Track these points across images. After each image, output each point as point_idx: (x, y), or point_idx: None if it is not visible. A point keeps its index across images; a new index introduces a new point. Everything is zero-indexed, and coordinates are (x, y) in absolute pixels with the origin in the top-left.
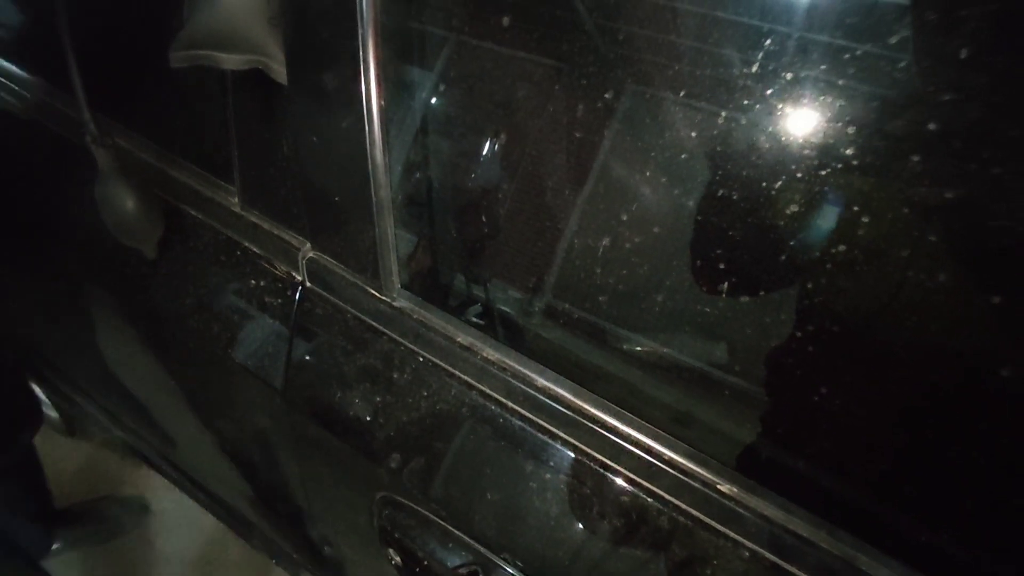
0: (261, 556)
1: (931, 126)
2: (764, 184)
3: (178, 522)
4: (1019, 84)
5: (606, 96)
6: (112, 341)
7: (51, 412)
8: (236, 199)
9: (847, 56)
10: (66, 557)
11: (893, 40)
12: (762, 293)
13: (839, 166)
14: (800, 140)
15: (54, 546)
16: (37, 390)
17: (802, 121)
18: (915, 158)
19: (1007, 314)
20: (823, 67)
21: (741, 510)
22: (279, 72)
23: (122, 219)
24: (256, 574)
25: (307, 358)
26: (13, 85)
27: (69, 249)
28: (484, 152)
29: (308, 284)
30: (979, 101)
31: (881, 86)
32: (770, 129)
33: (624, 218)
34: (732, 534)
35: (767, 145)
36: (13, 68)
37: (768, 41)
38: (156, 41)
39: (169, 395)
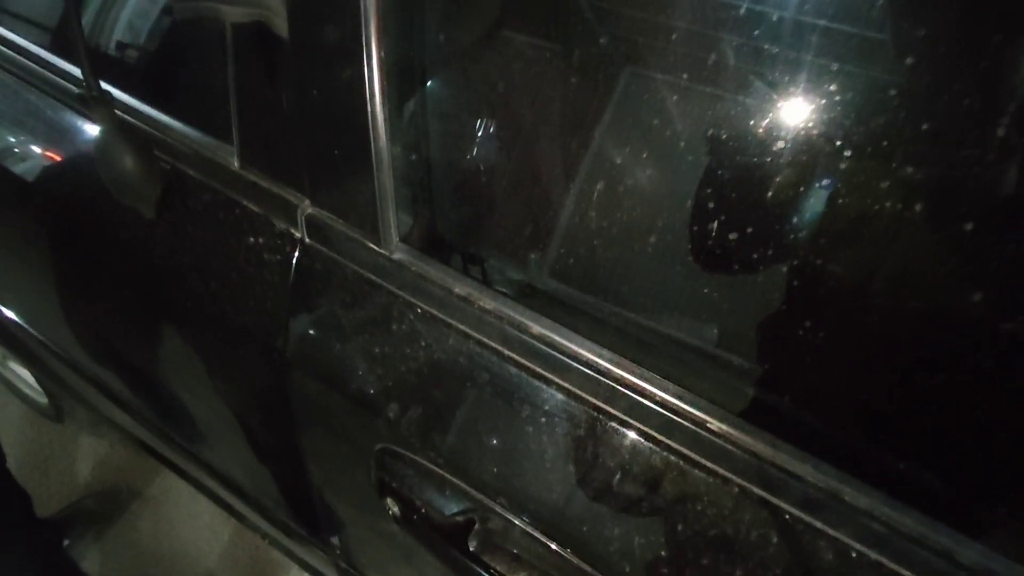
0: (254, 538)
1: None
2: (756, 162)
3: (169, 509)
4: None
5: (606, 48)
6: (107, 306)
7: (40, 399)
8: (235, 158)
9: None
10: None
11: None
12: (752, 253)
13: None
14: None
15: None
16: (26, 375)
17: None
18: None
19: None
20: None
21: (730, 447)
22: (279, 24)
23: (121, 178)
24: (248, 556)
25: (307, 313)
26: (7, 50)
27: (60, 209)
28: (485, 107)
29: (307, 240)
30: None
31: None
32: (760, 110)
33: (624, 168)
34: (722, 471)
35: (759, 126)
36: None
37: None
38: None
39: (167, 358)
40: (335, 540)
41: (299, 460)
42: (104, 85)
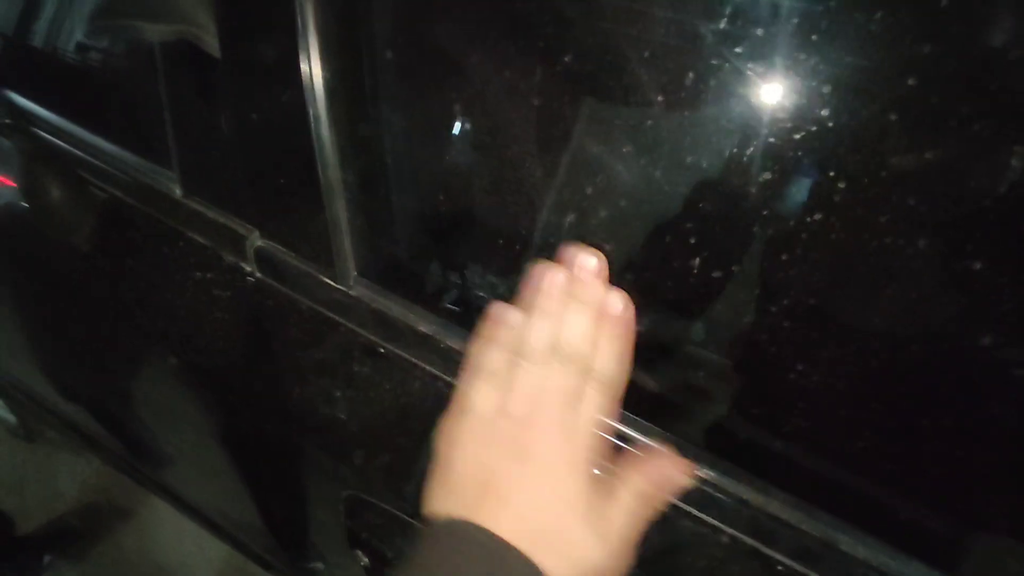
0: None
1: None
2: (734, 169)
3: (153, 526)
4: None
5: (570, 67)
6: (56, 343)
7: (9, 416)
8: (176, 185)
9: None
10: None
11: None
12: (736, 275)
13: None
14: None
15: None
16: None
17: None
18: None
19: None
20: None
21: (721, 496)
22: (210, 43)
23: (46, 210)
24: (236, 574)
25: (261, 354)
26: None
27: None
28: (443, 125)
29: (258, 275)
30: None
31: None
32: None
33: (590, 192)
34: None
35: (733, 127)
36: None
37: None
38: (74, 15)
39: (120, 397)
40: (319, 565)
41: (266, 504)
42: (26, 104)
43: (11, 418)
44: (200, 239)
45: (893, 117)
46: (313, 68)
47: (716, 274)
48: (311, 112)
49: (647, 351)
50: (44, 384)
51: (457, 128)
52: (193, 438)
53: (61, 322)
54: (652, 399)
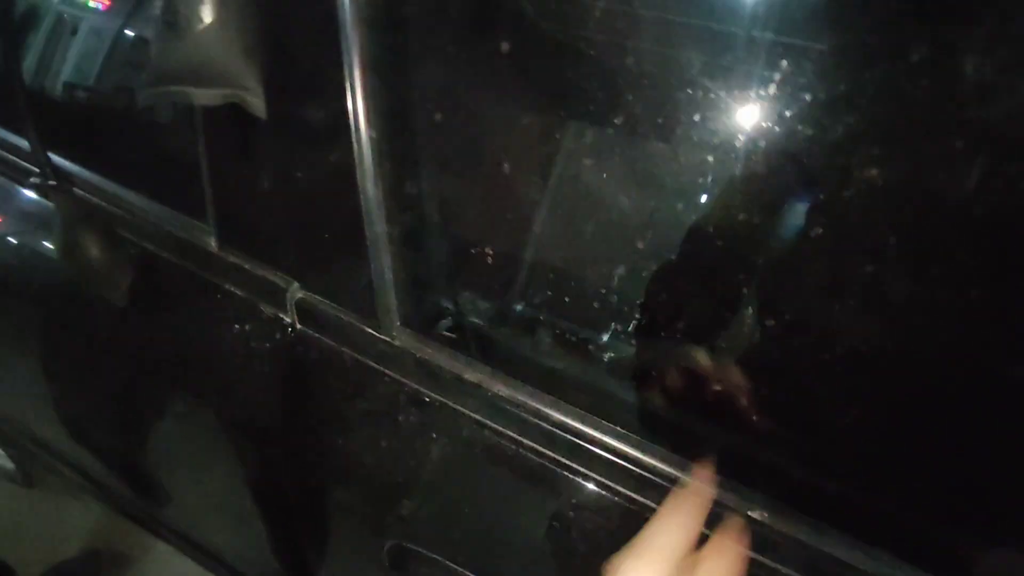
0: None
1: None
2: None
3: (152, 571)
4: None
5: (597, 119)
6: (86, 397)
7: (6, 463)
8: (212, 239)
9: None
10: None
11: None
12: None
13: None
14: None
15: None
16: None
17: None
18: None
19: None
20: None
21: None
22: (257, 105)
23: (87, 267)
24: None
25: (304, 406)
26: None
27: (25, 296)
28: (487, 181)
29: (299, 326)
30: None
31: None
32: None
33: (640, 245)
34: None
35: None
36: None
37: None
38: (115, 76)
39: (153, 451)
40: None
41: (303, 555)
42: (61, 161)
43: (9, 464)
44: (237, 291)
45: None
46: (361, 129)
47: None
48: (358, 170)
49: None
50: (52, 428)
51: (498, 185)
52: (223, 487)
53: (86, 371)
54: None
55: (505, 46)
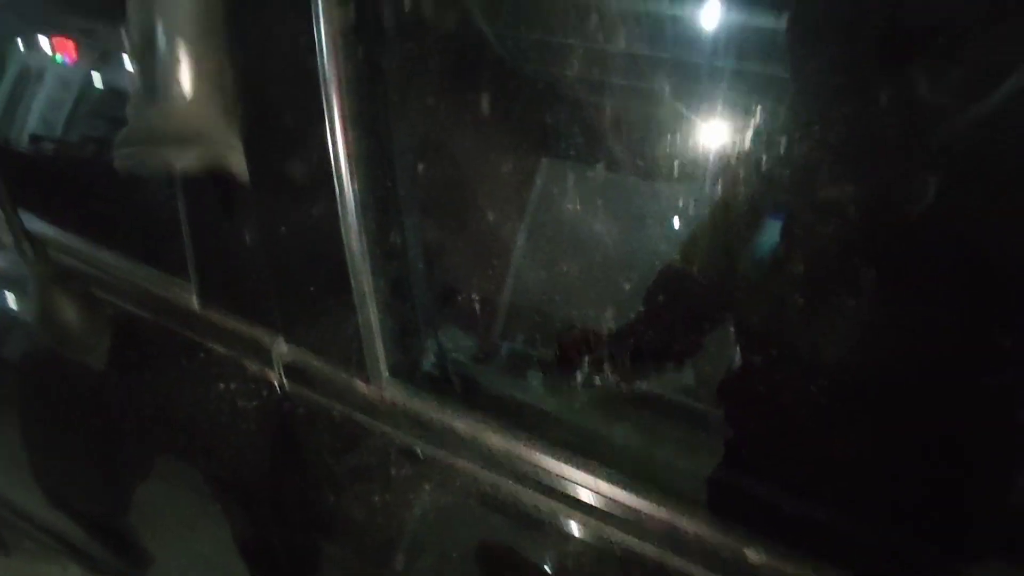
0: None
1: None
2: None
3: None
4: None
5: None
6: (65, 462)
7: None
8: (194, 297)
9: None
10: None
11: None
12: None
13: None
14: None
15: None
16: None
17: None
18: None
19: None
20: None
21: None
22: (238, 164)
23: (63, 331)
24: None
25: (293, 464)
26: None
27: (3, 359)
28: (472, 232)
29: (285, 380)
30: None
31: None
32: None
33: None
34: None
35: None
36: None
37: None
38: (88, 133)
39: (136, 513)
40: None
41: None
42: (42, 226)
43: None
44: (221, 349)
45: None
46: (345, 184)
47: None
48: (342, 223)
49: None
50: (29, 494)
51: (482, 240)
52: (210, 548)
53: (64, 436)
54: None
55: (485, 95)
